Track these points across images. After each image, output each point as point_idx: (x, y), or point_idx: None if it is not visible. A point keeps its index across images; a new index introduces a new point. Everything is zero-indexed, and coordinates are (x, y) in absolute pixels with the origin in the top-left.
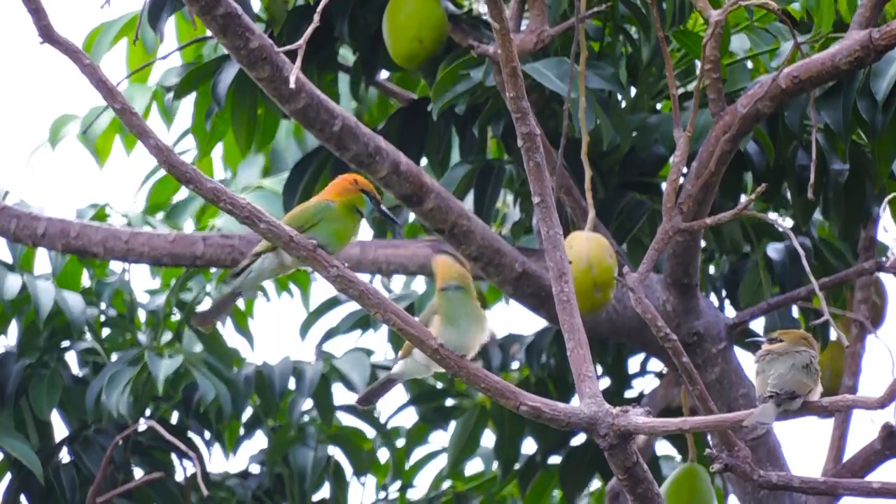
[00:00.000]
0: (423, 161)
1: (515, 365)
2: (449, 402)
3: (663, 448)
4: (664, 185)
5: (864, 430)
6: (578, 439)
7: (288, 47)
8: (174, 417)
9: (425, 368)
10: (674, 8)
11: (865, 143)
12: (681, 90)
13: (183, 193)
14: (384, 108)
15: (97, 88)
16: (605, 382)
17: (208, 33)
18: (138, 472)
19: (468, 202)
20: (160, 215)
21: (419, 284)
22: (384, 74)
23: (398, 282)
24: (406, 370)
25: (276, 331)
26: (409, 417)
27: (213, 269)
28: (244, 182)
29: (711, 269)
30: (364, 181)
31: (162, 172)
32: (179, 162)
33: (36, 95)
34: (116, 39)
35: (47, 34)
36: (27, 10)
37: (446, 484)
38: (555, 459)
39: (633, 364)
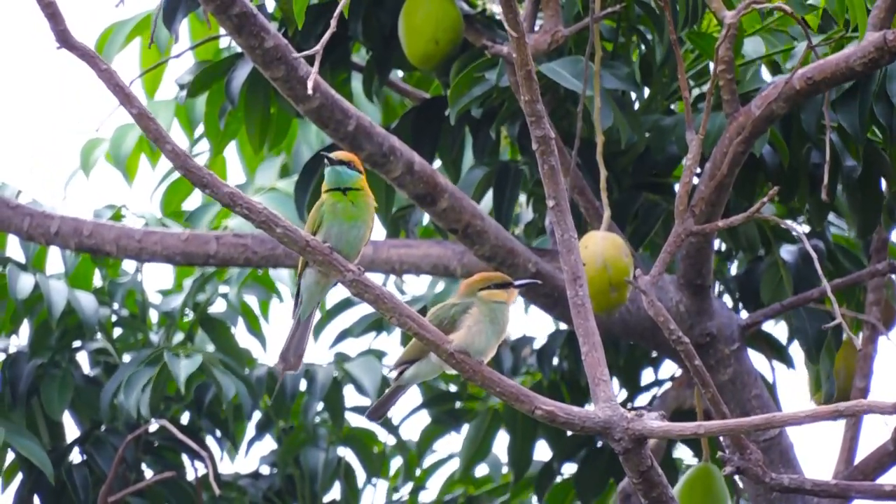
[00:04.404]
0: (436, 161)
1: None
2: (460, 405)
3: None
4: (677, 186)
5: (875, 431)
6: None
7: (305, 53)
8: (185, 418)
9: (438, 369)
10: (687, 9)
11: (880, 139)
12: (695, 91)
13: (197, 198)
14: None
15: (114, 93)
16: (617, 389)
17: (221, 31)
18: (149, 472)
19: (485, 204)
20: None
21: (436, 285)
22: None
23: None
24: (419, 373)
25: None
26: (421, 421)
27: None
28: (263, 184)
29: (731, 269)
30: (342, 155)
31: (175, 176)
32: (196, 167)
33: (47, 98)
34: (129, 39)
35: (64, 39)
36: (44, 16)
37: (459, 489)
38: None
39: (647, 374)
